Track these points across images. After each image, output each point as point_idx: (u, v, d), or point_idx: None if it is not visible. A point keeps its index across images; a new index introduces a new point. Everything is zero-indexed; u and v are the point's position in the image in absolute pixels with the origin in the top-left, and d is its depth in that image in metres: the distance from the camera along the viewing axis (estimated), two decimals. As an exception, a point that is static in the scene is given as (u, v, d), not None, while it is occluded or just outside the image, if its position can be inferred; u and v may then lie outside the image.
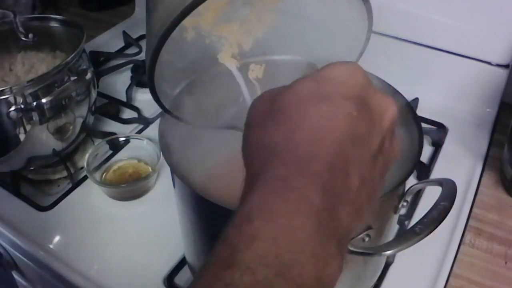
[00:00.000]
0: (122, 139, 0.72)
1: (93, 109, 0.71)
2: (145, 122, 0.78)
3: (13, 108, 0.58)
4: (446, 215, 0.42)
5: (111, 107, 0.81)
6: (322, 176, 0.23)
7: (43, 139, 0.64)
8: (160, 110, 0.47)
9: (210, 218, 0.44)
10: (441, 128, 0.74)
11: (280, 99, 0.27)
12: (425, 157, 0.70)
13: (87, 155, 0.67)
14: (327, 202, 0.23)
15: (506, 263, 0.57)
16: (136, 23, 1.03)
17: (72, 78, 0.63)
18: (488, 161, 0.70)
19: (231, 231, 0.22)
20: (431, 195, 0.57)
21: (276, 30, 0.44)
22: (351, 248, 0.42)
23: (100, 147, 0.70)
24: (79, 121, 0.67)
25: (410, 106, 0.52)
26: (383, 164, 0.28)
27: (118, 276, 0.56)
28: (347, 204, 0.24)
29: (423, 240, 0.41)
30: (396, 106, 0.29)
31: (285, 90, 0.28)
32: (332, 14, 0.42)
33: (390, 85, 0.54)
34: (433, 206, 0.43)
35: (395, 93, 0.53)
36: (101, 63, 0.93)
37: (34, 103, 0.59)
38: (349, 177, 0.24)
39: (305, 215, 0.22)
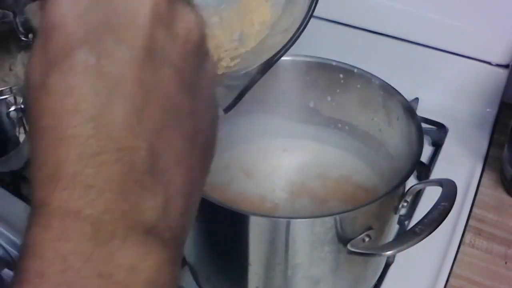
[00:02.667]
0: (122, 139, 0.72)
1: (93, 109, 0.70)
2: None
3: (13, 108, 0.58)
4: (446, 216, 0.42)
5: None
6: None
7: (43, 139, 0.64)
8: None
9: (210, 218, 0.44)
10: (441, 128, 0.74)
11: None
12: (425, 157, 0.70)
13: (87, 155, 0.67)
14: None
15: (506, 263, 0.57)
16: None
17: (72, 78, 0.63)
18: (488, 161, 0.70)
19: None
20: (431, 195, 0.57)
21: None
22: (351, 249, 0.43)
23: (100, 147, 0.70)
24: (79, 121, 0.67)
25: (410, 106, 0.52)
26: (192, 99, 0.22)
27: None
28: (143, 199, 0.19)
29: (423, 240, 0.41)
30: (201, 22, 0.23)
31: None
32: None
33: (390, 85, 0.54)
34: (433, 206, 0.43)
35: (395, 93, 0.53)
36: (101, 63, 0.93)
37: (34, 103, 0.59)
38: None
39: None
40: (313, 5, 0.40)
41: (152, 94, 0.20)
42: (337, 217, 0.41)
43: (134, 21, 0.20)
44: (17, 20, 0.68)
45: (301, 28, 0.40)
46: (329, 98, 0.61)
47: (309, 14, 0.40)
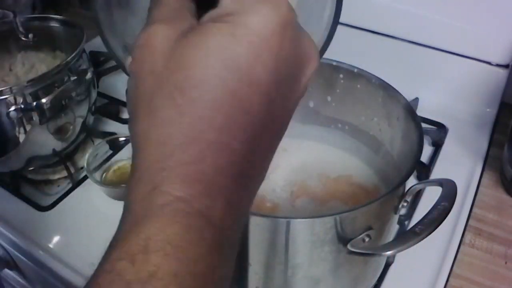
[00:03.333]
0: (122, 139, 0.72)
1: (93, 109, 0.71)
2: (145, 122, 0.78)
3: (13, 108, 0.58)
4: (446, 216, 0.42)
5: (111, 107, 0.81)
6: (227, 189, 0.21)
7: (43, 139, 0.64)
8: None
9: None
10: (441, 128, 0.74)
11: (179, 53, 0.22)
12: (425, 157, 0.70)
13: (87, 155, 0.67)
14: (231, 220, 0.21)
15: (506, 263, 0.57)
16: (136, 23, 1.03)
17: (72, 78, 0.63)
18: (488, 161, 0.70)
19: (124, 263, 0.19)
20: (431, 195, 0.57)
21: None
22: (351, 249, 0.43)
23: (100, 147, 0.70)
24: (79, 121, 0.67)
25: (410, 106, 0.52)
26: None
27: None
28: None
29: (423, 240, 0.41)
30: (318, 56, 0.25)
31: (190, 38, 0.22)
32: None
33: (390, 85, 0.54)
34: (433, 206, 0.43)
35: (395, 93, 0.53)
36: (101, 63, 0.93)
37: (34, 103, 0.59)
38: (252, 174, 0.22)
39: (208, 245, 0.20)
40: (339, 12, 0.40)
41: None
42: (337, 217, 0.41)
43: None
44: (17, 20, 0.68)
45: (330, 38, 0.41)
46: (329, 98, 0.61)
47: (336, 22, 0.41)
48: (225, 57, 0.21)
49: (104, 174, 0.69)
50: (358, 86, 0.57)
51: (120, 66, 0.39)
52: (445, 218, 0.42)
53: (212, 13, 0.23)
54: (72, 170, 0.70)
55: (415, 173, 0.66)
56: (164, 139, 0.21)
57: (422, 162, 0.67)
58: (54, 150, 0.66)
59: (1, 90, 0.57)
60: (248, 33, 0.21)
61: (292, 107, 0.24)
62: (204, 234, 0.20)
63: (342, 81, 0.58)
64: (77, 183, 0.68)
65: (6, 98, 0.58)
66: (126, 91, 0.25)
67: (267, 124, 0.22)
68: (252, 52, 0.21)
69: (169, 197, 0.20)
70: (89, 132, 0.73)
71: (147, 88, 0.22)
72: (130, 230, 0.21)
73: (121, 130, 0.77)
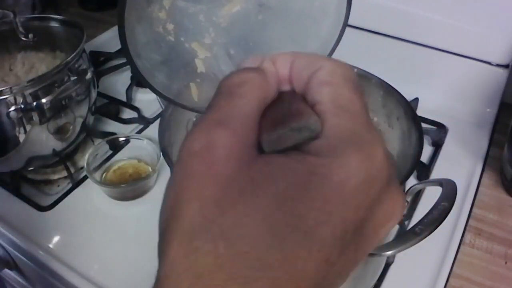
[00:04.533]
0: (122, 139, 0.72)
1: (93, 109, 0.71)
2: (145, 122, 0.78)
3: (13, 108, 0.58)
4: (446, 216, 0.42)
5: (111, 107, 0.81)
6: None
7: (43, 139, 0.64)
8: (160, 109, 0.46)
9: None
10: (441, 128, 0.74)
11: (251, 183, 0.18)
12: (425, 157, 0.70)
13: (87, 155, 0.67)
14: None
15: (506, 263, 0.57)
16: (136, 23, 1.03)
17: (72, 78, 0.63)
18: (488, 161, 0.70)
19: None
20: (431, 195, 0.57)
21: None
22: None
23: (100, 147, 0.70)
24: (79, 121, 0.67)
25: (410, 106, 0.52)
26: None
27: (118, 276, 0.56)
28: None
29: (423, 240, 0.41)
30: (402, 212, 0.21)
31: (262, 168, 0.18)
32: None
33: (390, 85, 0.54)
34: (433, 206, 0.43)
35: (395, 93, 0.53)
36: (101, 63, 0.93)
37: (34, 103, 0.59)
38: None
39: None
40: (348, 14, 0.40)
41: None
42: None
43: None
44: (17, 20, 0.68)
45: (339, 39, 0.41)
46: (329, 98, 0.61)
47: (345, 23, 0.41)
48: (290, 211, 0.18)
49: (104, 174, 0.69)
50: (358, 86, 0.57)
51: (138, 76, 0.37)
52: (445, 218, 0.42)
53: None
54: (72, 170, 0.70)
55: (415, 173, 0.66)
56: (192, 284, 0.18)
57: (422, 162, 0.67)
58: (54, 150, 0.66)
59: (1, 90, 0.57)
60: (324, 185, 0.18)
61: (353, 267, 0.20)
62: None
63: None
64: (77, 183, 0.68)
65: (6, 98, 0.58)
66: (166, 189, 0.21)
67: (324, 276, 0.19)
68: (322, 211, 0.18)
69: None
70: (89, 132, 0.73)
71: (189, 215, 0.19)
72: None
73: (121, 130, 0.77)
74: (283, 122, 0.20)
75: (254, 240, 0.17)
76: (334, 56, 0.58)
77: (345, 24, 0.41)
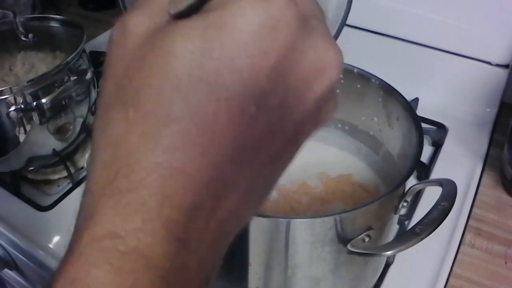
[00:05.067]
0: (122, 139, 0.72)
1: (93, 109, 0.71)
2: (145, 122, 0.78)
3: (13, 108, 0.58)
4: (446, 216, 0.42)
5: (111, 107, 0.81)
6: (175, 223, 0.17)
7: (43, 139, 0.64)
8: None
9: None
10: (441, 128, 0.74)
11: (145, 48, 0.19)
12: (425, 157, 0.70)
13: (87, 155, 0.67)
14: (184, 259, 0.18)
15: (506, 263, 0.57)
16: (136, 23, 1.03)
17: (72, 78, 0.63)
18: (488, 161, 0.70)
19: None
20: (431, 195, 0.57)
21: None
22: (351, 249, 0.43)
23: (100, 147, 0.70)
24: (79, 121, 0.67)
25: (410, 106, 0.52)
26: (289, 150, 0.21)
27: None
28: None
29: (423, 240, 0.41)
30: (339, 65, 0.20)
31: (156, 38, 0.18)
32: None
33: (390, 85, 0.54)
34: (433, 206, 0.43)
35: (395, 93, 0.53)
36: (101, 63, 0.93)
37: (34, 103, 0.59)
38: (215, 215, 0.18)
39: None
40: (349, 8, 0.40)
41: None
42: (337, 217, 0.41)
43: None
44: (17, 20, 0.68)
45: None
46: (329, 98, 0.61)
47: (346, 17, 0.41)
48: (190, 64, 0.17)
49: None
50: (358, 86, 0.57)
51: None
52: (445, 218, 0.42)
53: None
54: (72, 170, 0.70)
55: (415, 173, 0.66)
56: (109, 159, 0.18)
57: (422, 162, 0.67)
58: (54, 150, 0.66)
59: (1, 90, 0.57)
60: (222, 34, 0.17)
61: (296, 127, 0.20)
62: (139, 278, 0.17)
63: (342, 81, 0.58)
64: (77, 183, 0.68)
65: (6, 98, 0.58)
66: None
67: (245, 149, 0.19)
68: (224, 59, 0.17)
69: (101, 231, 0.17)
70: (89, 132, 0.73)
71: (107, 91, 0.19)
72: (61, 270, 0.18)
73: (121, 130, 0.77)
74: None
75: (159, 99, 0.17)
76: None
77: (343, 22, 0.41)
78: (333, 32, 0.41)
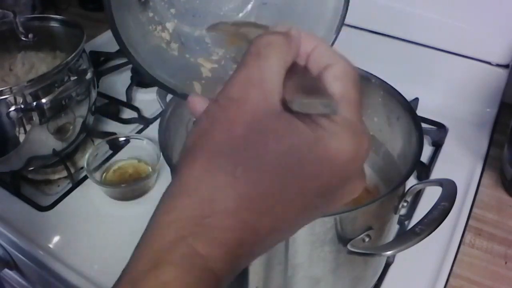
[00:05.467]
0: (122, 139, 0.72)
1: (93, 109, 0.71)
2: (145, 122, 0.78)
3: (13, 108, 0.58)
4: (446, 216, 0.42)
5: (111, 107, 0.81)
6: (240, 257, 0.24)
7: (43, 139, 0.64)
8: (160, 109, 0.46)
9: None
10: (441, 128, 0.74)
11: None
12: (425, 157, 0.70)
13: (87, 155, 0.67)
14: (232, 275, 0.24)
15: (506, 263, 0.57)
16: (136, 23, 1.03)
17: (72, 78, 0.63)
18: (488, 161, 0.70)
19: None
20: (431, 195, 0.57)
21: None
22: (352, 249, 0.43)
23: (100, 147, 0.70)
24: (79, 121, 0.67)
25: (410, 106, 0.52)
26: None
27: (118, 276, 0.56)
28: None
29: (423, 240, 0.41)
30: (361, 190, 0.27)
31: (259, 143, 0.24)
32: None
33: (390, 85, 0.54)
34: (433, 206, 0.43)
35: (395, 93, 0.53)
36: (101, 63, 0.93)
37: (34, 103, 0.59)
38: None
39: None
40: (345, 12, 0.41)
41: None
42: (337, 217, 0.41)
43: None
44: (17, 20, 0.68)
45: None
46: (329, 98, 0.61)
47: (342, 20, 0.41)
48: (292, 160, 0.23)
49: (104, 174, 0.69)
50: (358, 86, 0.57)
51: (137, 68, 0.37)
52: (445, 218, 0.42)
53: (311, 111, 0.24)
54: (72, 170, 0.70)
55: (415, 173, 0.66)
56: (212, 198, 0.23)
57: (422, 162, 0.67)
58: (54, 150, 0.66)
59: (1, 90, 0.57)
60: (324, 153, 0.23)
61: (319, 215, 0.27)
62: (209, 286, 0.22)
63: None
64: (77, 183, 0.68)
65: (6, 98, 0.58)
66: (194, 122, 0.26)
67: (297, 218, 0.26)
68: (316, 166, 0.23)
69: (192, 250, 0.22)
70: (89, 132, 0.73)
71: (218, 139, 0.23)
72: (150, 270, 0.22)
73: (121, 130, 0.77)
74: (315, 94, 0.25)
75: (264, 176, 0.23)
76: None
77: (341, 23, 0.41)
78: (331, 34, 0.41)
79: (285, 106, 0.24)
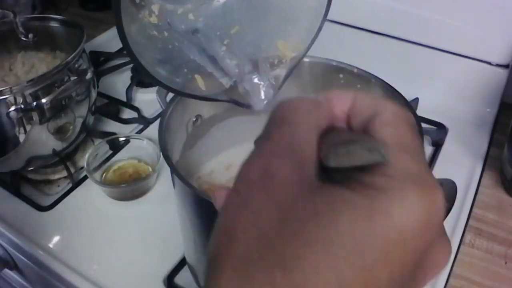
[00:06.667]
0: (122, 139, 0.72)
1: (93, 109, 0.71)
2: (145, 122, 0.78)
3: (13, 108, 0.58)
4: (447, 216, 0.42)
5: (111, 107, 0.81)
6: None
7: (43, 139, 0.64)
8: (160, 109, 0.46)
9: (210, 219, 0.44)
10: (441, 128, 0.74)
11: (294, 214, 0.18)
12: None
13: (87, 155, 0.67)
14: None
15: (506, 263, 0.57)
16: (136, 23, 1.03)
17: (72, 78, 0.63)
18: (488, 161, 0.70)
19: None
20: (431, 195, 0.57)
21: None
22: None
23: (100, 147, 0.70)
24: (79, 121, 0.67)
25: (410, 106, 0.52)
26: None
27: (118, 276, 0.56)
28: None
29: (423, 240, 0.41)
30: (449, 257, 0.21)
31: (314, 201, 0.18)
32: None
33: (390, 85, 0.54)
34: (433, 206, 0.43)
35: (395, 93, 0.53)
36: (101, 63, 0.93)
37: (34, 103, 0.59)
38: None
39: None
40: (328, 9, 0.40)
41: None
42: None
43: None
44: (17, 20, 0.68)
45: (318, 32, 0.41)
46: (329, 98, 0.61)
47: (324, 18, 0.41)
48: (351, 248, 0.17)
49: (104, 174, 0.69)
50: (358, 86, 0.57)
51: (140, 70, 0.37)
52: (445, 218, 0.42)
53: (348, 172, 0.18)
54: (72, 170, 0.70)
55: (415, 173, 0.66)
56: None
57: (422, 162, 0.67)
58: (54, 150, 0.66)
59: (1, 90, 0.57)
60: (387, 223, 0.17)
61: None
62: None
63: (342, 81, 0.58)
64: (77, 183, 0.68)
65: (6, 98, 0.58)
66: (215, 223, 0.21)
67: None
68: (382, 252, 0.17)
69: None
70: (89, 132, 0.73)
71: (246, 242, 0.18)
72: None
73: (121, 130, 0.77)
74: (354, 140, 0.19)
75: (313, 273, 0.16)
76: (335, 55, 0.58)
77: (325, 18, 0.41)
78: (313, 31, 0.41)
79: (324, 179, 0.19)
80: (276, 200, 0.18)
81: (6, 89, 0.57)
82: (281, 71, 0.40)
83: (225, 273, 0.18)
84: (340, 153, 0.19)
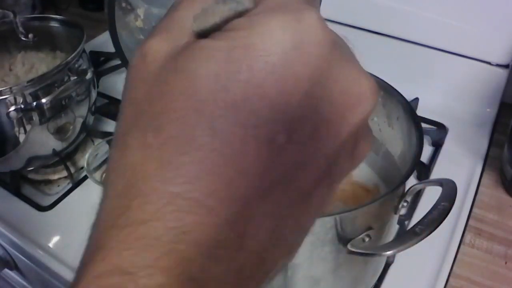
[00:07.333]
0: (122, 139, 0.72)
1: (93, 109, 0.71)
2: (145, 122, 0.78)
3: (13, 108, 0.58)
4: (446, 216, 0.42)
5: (111, 107, 0.81)
6: (191, 261, 0.16)
7: (43, 139, 0.64)
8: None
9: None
10: (441, 128, 0.74)
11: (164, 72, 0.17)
12: (425, 157, 0.70)
13: (87, 155, 0.67)
14: None
15: (506, 263, 0.57)
16: (136, 23, 1.03)
17: (72, 78, 0.63)
18: (488, 161, 0.70)
19: None
20: (431, 195, 0.57)
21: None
22: (351, 249, 0.43)
23: (100, 147, 0.70)
24: (79, 121, 0.67)
25: (410, 106, 0.52)
26: (326, 188, 0.19)
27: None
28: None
29: (423, 240, 0.41)
30: (374, 96, 0.19)
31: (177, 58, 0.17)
32: None
33: (390, 85, 0.54)
34: (433, 206, 0.43)
35: (395, 93, 0.53)
36: (101, 63, 0.93)
37: (34, 103, 0.59)
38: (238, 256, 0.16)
39: None
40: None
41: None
42: (337, 217, 0.41)
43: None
44: (17, 20, 0.68)
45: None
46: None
47: None
48: (215, 88, 0.16)
49: (104, 174, 0.69)
50: (358, 86, 0.57)
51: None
52: (445, 218, 0.42)
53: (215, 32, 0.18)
54: (72, 170, 0.70)
55: (415, 173, 0.66)
56: (122, 187, 0.17)
57: (422, 162, 0.67)
58: (54, 150, 0.66)
59: (1, 90, 0.57)
60: (249, 56, 0.16)
61: (329, 162, 0.18)
62: None
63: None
64: (77, 183, 0.68)
65: (6, 98, 0.58)
66: None
67: (272, 183, 0.17)
68: (251, 83, 0.16)
69: (108, 266, 0.15)
70: (89, 132, 0.73)
71: (125, 117, 0.18)
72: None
73: (121, 130, 0.77)
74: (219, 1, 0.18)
75: (181, 124, 0.16)
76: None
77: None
78: None
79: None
80: (144, 73, 0.18)
81: (6, 89, 0.57)
82: None
83: (112, 147, 0.18)
84: (197, 16, 0.18)
